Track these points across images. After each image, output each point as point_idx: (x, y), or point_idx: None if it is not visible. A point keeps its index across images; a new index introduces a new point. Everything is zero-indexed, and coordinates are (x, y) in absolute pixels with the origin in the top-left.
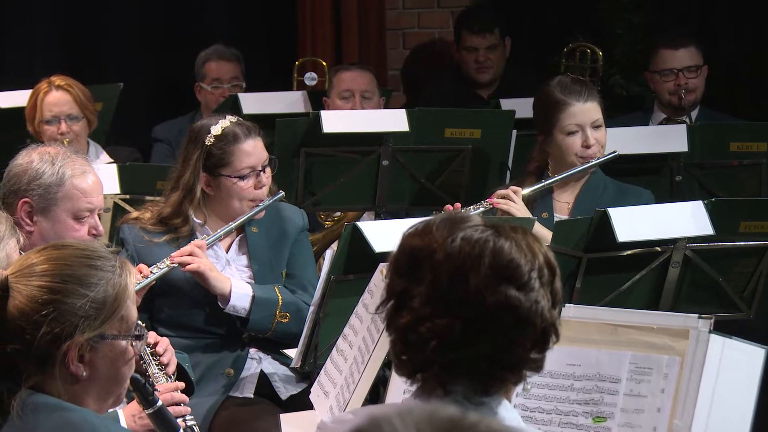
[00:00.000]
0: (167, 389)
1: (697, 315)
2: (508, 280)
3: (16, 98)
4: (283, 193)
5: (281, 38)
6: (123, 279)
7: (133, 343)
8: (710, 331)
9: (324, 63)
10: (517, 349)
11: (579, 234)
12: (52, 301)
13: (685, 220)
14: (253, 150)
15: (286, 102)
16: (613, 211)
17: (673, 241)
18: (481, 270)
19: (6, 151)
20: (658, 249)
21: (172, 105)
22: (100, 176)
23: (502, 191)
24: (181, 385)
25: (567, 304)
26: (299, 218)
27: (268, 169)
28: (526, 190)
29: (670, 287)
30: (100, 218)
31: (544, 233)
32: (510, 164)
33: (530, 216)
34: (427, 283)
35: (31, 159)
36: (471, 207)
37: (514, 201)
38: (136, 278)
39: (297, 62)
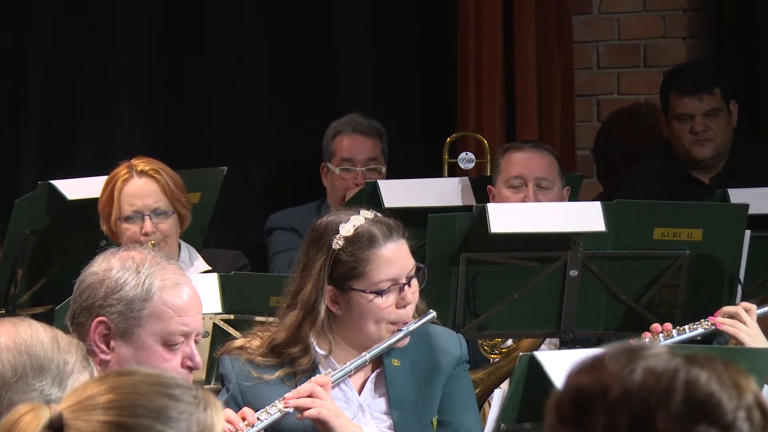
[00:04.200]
0: None
1: None
2: (709, 420)
3: (86, 187)
4: (435, 313)
5: (436, 107)
6: (209, 415)
7: None
8: None
9: (484, 140)
10: None
11: None
12: None
13: None
14: (395, 256)
15: (441, 191)
16: None
17: None
18: (671, 408)
19: (76, 256)
20: None
21: (290, 192)
22: (198, 289)
23: (729, 308)
24: None
25: None
26: (456, 347)
27: (414, 282)
28: (763, 309)
29: None
30: (196, 345)
31: None
32: (742, 276)
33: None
34: (601, 429)
35: (109, 266)
36: (686, 327)
37: (744, 322)
38: (239, 427)
39: (448, 139)
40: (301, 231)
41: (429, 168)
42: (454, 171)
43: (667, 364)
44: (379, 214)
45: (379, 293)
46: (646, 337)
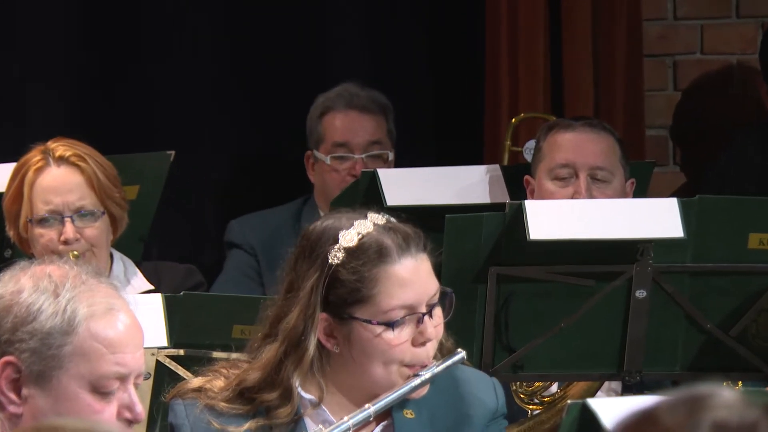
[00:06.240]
0: None
1: None
2: None
3: None
4: (464, 353)
5: (456, 75)
6: None
7: None
8: None
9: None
10: None
11: None
12: None
13: None
14: (412, 276)
15: (462, 184)
16: None
17: None
18: None
19: None
20: None
21: (259, 189)
22: (137, 315)
23: None
24: None
25: None
26: (491, 396)
27: (438, 312)
28: None
29: None
30: (136, 389)
31: None
32: None
33: None
34: None
35: (17, 288)
36: None
37: None
38: None
39: (513, 120)
40: (269, 249)
41: (450, 152)
42: (515, 160)
43: (742, 417)
44: (393, 220)
45: (390, 325)
46: None
